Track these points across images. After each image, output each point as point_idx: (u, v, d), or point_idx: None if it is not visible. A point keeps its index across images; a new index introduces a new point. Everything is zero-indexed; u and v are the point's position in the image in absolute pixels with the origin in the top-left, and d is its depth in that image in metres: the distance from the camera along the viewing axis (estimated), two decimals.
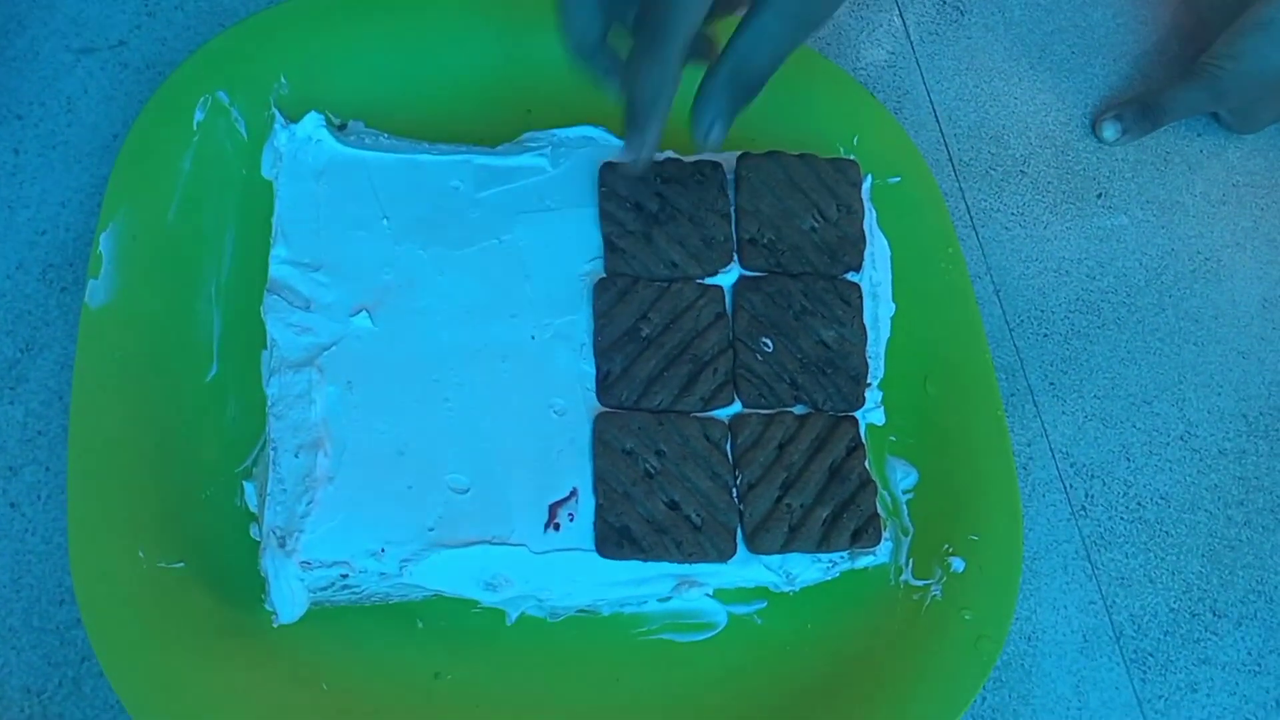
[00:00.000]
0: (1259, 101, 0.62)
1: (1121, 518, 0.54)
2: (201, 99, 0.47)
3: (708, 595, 0.45)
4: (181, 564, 0.40)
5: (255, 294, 0.44)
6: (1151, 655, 0.51)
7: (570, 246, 0.46)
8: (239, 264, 0.46)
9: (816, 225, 0.49)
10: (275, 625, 0.39)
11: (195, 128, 0.47)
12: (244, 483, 0.42)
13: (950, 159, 0.61)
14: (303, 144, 0.46)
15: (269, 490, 0.39)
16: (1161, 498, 0.55)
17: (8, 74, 0.49)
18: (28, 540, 0.42)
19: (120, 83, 0.51)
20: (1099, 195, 0.62)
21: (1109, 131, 0.63)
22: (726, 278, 0.47)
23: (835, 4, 0.39)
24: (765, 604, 0.46)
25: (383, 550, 0.39)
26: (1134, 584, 0.53)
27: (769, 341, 0.46)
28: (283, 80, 0.48)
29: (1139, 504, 0.54)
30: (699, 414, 0.45)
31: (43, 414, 0.44)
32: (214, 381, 0.44)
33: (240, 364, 0.44)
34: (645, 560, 0.42)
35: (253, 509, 0.41)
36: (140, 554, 0.39)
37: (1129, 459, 0.55)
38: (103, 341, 0.42)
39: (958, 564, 0.47)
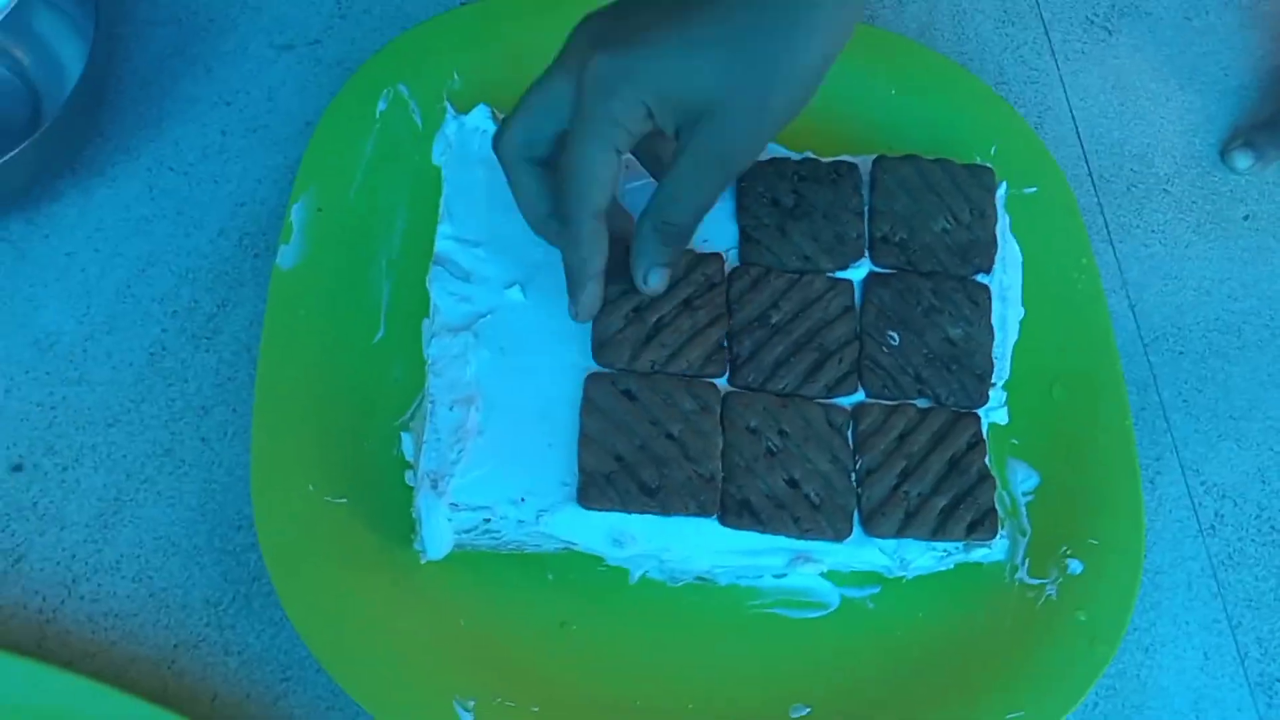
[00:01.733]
0: None
1: (1253, 540, 0.53)
2: (385, 91, 0.52)
3: (821, 575, 0.46)
4: (345, 500, 0.44)
5: (421, 268, 0.49)
6: (1278, 681, 0.50)
7: (709, 236, 0.49)
8: (408, 240, 0.50)
9: (949, 227, 0.50)
10: (423, 562, 0.43)
11: (378, 116, 0.52)
12: (402, 434, 0.46)
13: (1090, 174, 0.61)
14: (470, 134, 0.50)
15: (425, 439, 0.43)
16: None
17: (220, 66, 0.56)
18: (214, 471, 0.47)
19: (314, 76, 0.56)
20: (1245, 218, 0.61)
21: (1241, 162, 0.61)
22: (857, 273, 0.49)
23: (753, 153, 0.41)
24: (878, 589, 0.47)
25: (523, 499, 0.42)
26: (1263, 608, 0.52)
27: (895, 335, 0.48)
28: (456, 77, 0.53)
29: (1272, 527, 0.53)
30: (822, 400, 0.47)
31: (233, 362, 0.49)
32: (381, 343, 0.48)
33: (404, 330, 0.48)
34: (763, 532, 0.44)
35: (409, 458, 0.45)
36: (310, 488, 0.44)
37: (1264, 481, 0.54)
38: (289, 300, 0.47)
39: (1075, 565, 0.47)
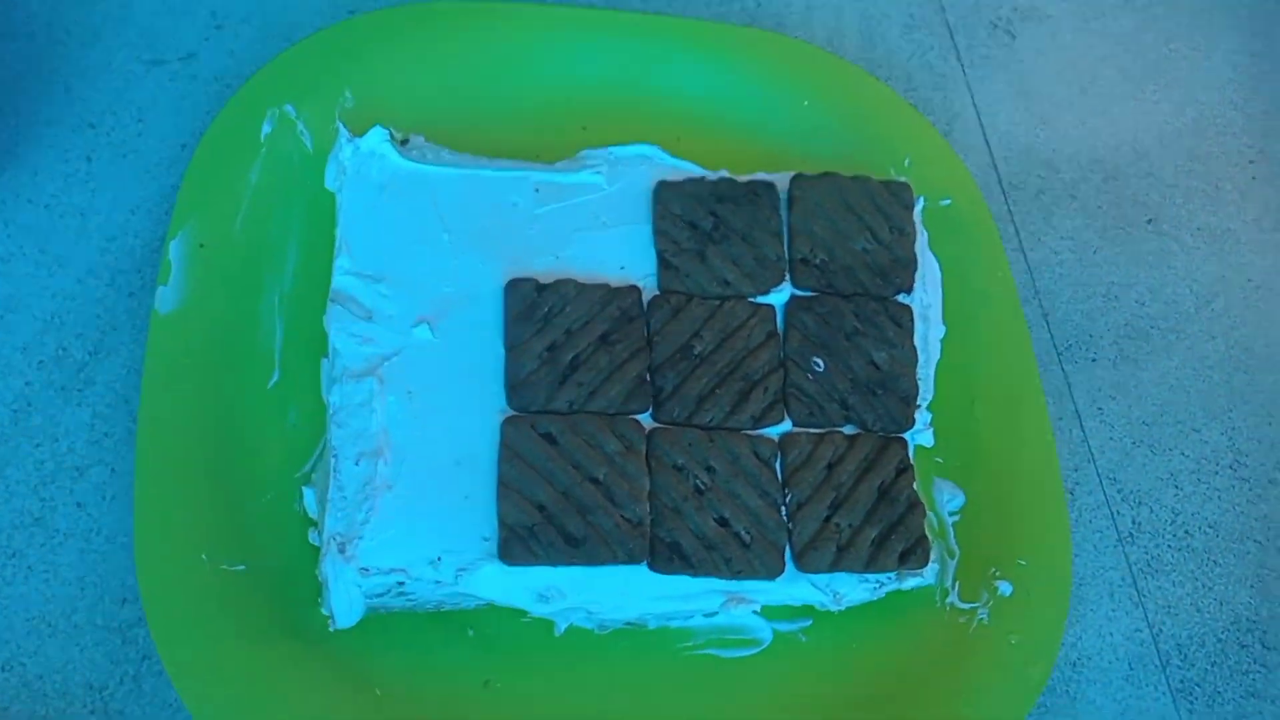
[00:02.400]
0: None
1: (1169, 545, 0.54)
2: (270, 111, 0.48)
3: (754, 612, 0.45)
4: (243, 566, 0.41)
5: (317, 304, 0.45)
6: (1199, 685, 0.51)
7: (625, 264, 0.47)
8: (302, 274, 0.47)
9: (869, 246, 0.49)
10: (332, 629, 0.40)
11: (263, 140, 0.48)
12: (303, 488, 0.43)
13: (1000, 182, 0.61)
14: (366, 158, 0.47)
15: (329, 497, 0.40)
16: (1210, 526, 0.54)
17: (82, 84, 0.51)
18: (93, 540, 0.43)
19: (189, 94, 0.52)
20: (1149, 221, 0.62)
21: None
22: (779, 297, 0.48)
23: None
24: (810, 622, 0.46)
25: (439, 559, 0.40)
26: (1181, 613, 0.52)
27: (820, 361, 0.47)
28: (348, 95, 0.50)
29: (1187, 532, 0.54)
30: (749, 431, 0.45)
31: (110, 416, 0.45)
32: (276, 388, 0.45)
33: (301, 372, 0.45)
34: (695, 575, 0.42)
35: (312, 514, 0.42)
36: (203, 556, 0.40)
37: (1177, 486, 0.55)
38: (170, 346, 0.43)
39: (1005, 588, 0.47)
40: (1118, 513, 0.54)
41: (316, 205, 0.47)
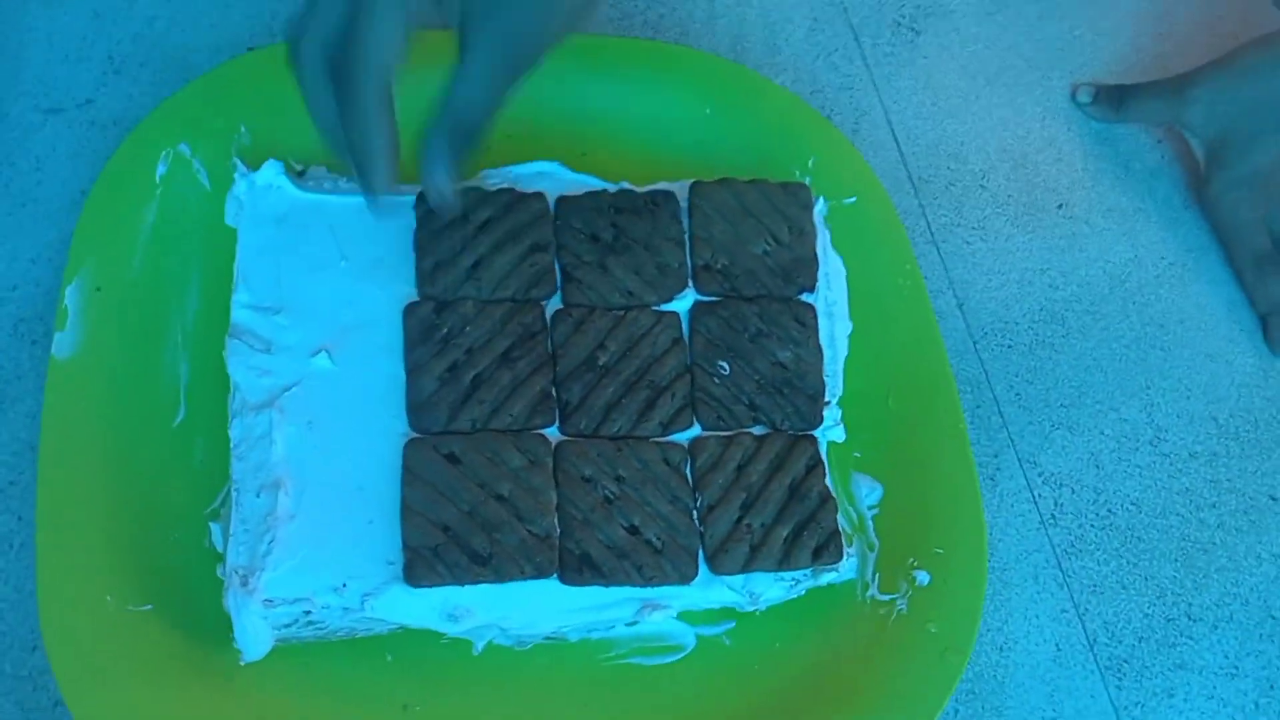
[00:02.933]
0: (1224, 141, 0.61)
1: (1092, 525, 0.54)
2: (164, 152, 0.48)
3: (674, 618, 0.45)
4: (150, 606, 0.41)
5: (218, 340, 0.45)
6: (1127, 662, 0.51)
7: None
8: (205, 311, 0.47)
9: (769, 249, 0.50)
10: (242, 664, 0.40)
11: (158, 181, 0.48)
12: (211, 524, 0.43)
13: (910, 176, 0.62)
14: (263, 191, 0.47)
15: (232, 530, 0.40)
16: (1132, 503, 0.55)
17: None
18: (1, 589, 0.43)
19: (88, 140, 0.52)
20: (1059, 206, 0.63)
21: (1083, 95, 0.64)
22: (682, 304, 0.48)
23: (542, 47, 0.39)
24: (733, 624, 0.46)
25: (344, 585, 0.40)
26: (1106, 591, 0.53)
27: (725, 364, 0.47)
28: (243, 130, 0.50)
29: (1109, 511, 0.55)
30: (658, 439, 0.46)
31: (15, 464, 0.45)
32: (181, 426, 0.45)
33: (208, 408, 0.45)
34: (606, 585, 0.42)
35: (220, 550, 0.42)
36: (108, 599, 0.40)
37: (1098, 466, 0.56)
38: (70, 392, 0.43)
39: (923, 577, 0.47)
40: (1039, 496, 0.54)
41: (217, 243, 0.47)
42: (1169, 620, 0.53)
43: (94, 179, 0.50)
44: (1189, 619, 0.53)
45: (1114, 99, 0.64)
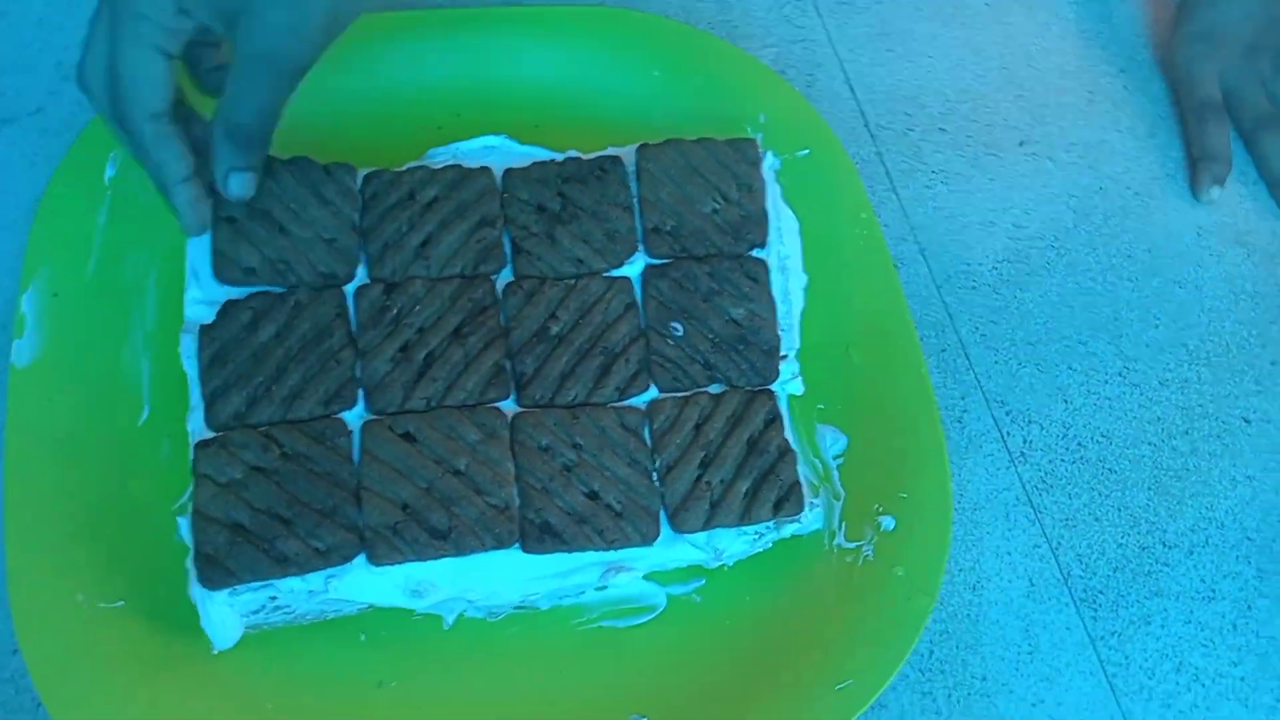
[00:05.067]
0: None
1: (1062, 460, 0.54)
2: (112, 154, 0.49)
3: (643, 579, 0.46)
4: (121, 602, 0.41)
5: (178, 338, 0.46)
6: (1102, 593, 0.52)
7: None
8: (164, 309, 0.47)
9: (718, 206, 0.50)
10: (214, 653, 0.41)
11: (107, 183, 0.48)
12: (179, 519, 0.43)
13: (866, 125, 0.62)
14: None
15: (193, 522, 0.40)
16: (1103, 436, 0.55)
17: None
18: None
19: (41, 148, 0.52)
20: (1021, 143, 0.63)
21: (1214, 192, 0.61)
22: (633, 268, 0.49)
23: (302, 48, 0.40)
24: (703, 581, 0.47)
25: None
26: (1079, 524, 0.53)
27: (679, 326, 0.47)
28: None
29: (1079, 444, 0.55)
30: (615, 404, 0.46)
31: None
32: (146, 424, 0.45)
33: (172, 404, 0.45)
34: (569, 551, 0.43)
35: (188, 543, 0.43)
36: (80, 597, 0.41)
37: (1066, 401, 0.56)
38: (31, 398, 0.44)
39: (888, 522, 0.48)
40: (1008, 434, 0.55)
41: (171, 241, 0.48)
42: (1143, 549, 0.53)
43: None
44: (1164, 546, 0.53)
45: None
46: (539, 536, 0.42)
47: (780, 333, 0.48)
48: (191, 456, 0.41)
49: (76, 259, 0.47)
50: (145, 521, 0.43)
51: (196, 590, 0.39)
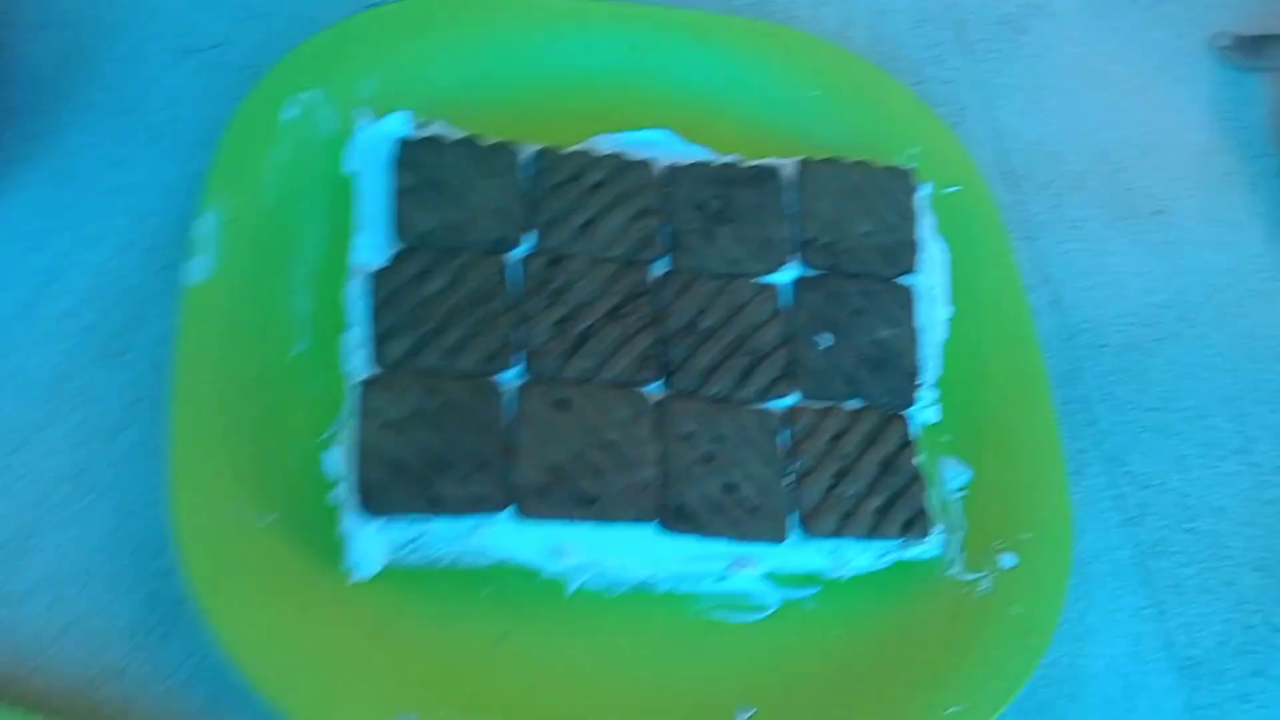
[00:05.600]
0: None
1: (1176, 528, 0.54)
2: (294, 97, 0.50)
3: (762, 577, 0.46)
4: (275, 516, 0.42)
5: (338, 279, 0.47)
6: (1203, 664, 0.51)
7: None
8: (326, 250, 0.49)
9: (873, 229, 0.51)
10: (350, 582, 0.42)
11: (289, 122, 0.50)
12: (323, 454, 0.44)
13: (1008, 172, 0.62)
14: (384, 140, 0.48)
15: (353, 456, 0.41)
16: (1217, 510, 0.55)
17: (116, 72, 0.53)
18: (129, 494, 0.44)
19: (219, 81, 0.54)
20: (1157, 212, 0.63)
21: (1222, 41, 0.64)
22: (784, 276, 0.49)
23: None
24: (818, 590, 0.47)
25: None
26: (1187, 593, 0.53)
27: (825, 338, 0.48)
28: (369, 81, 0.51)
29: (1194, 515, 0.55)
30: (756, 405, 0.46)
31: (145, 381, 0.46)
32: (300, 357, 0.46)
33: (325, 342, 0.46)
34: (703, 535, 0.43)
35: (331, 477, 0.44)
36: (233, 508, 0.42)
37: (1184, 470, 0.56)
38: (200, 315, 0.45)
39: (1007, 560, 0.48)
40: (1125, 494, 0.54)
41: (341, 185, 0.49)
42: (1248, 628, 0.52)
43: (224, 119, 0.52)
44: (1269, 628, 0.53)
45: (1252, 45, 0.63)
46: (677, 517, 0.43)
47: (920, 360, 0.49)
48: (359, 392, 0.42)
49: (253, 191, 0.48)
50: (295, 450, 0.44)
51: (351, 518, 0.40)
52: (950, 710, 0.44)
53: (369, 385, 0.42)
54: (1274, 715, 0.50)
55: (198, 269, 0.46)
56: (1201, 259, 0.62)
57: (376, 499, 0.40)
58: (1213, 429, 0.57)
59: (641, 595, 0.45)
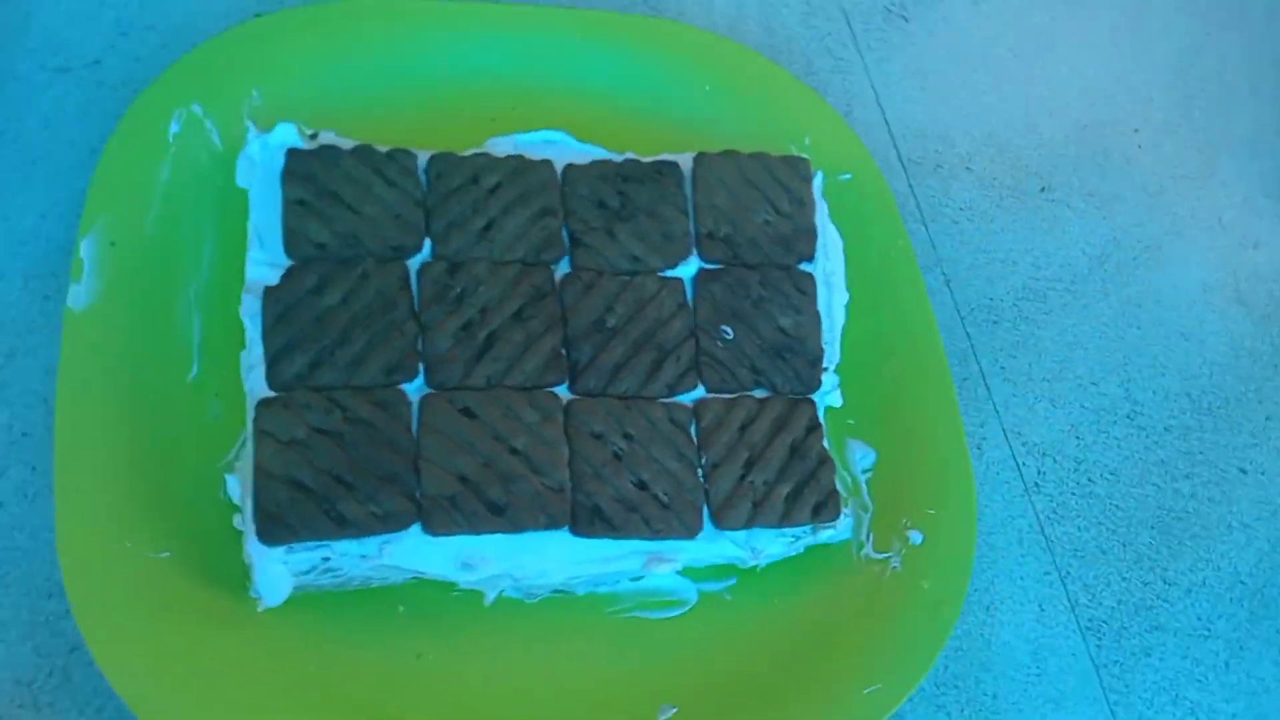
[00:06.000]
0: None
1: (1073, 493, 0.56)
2: (177, 111, 0.49)
3: (678, 573, 0.46)
4: (168, 553, 0.41)
5: (232, 297, 0.46)
6: (1106, 623, 0.53)
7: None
8: (216, 269, 0.47)
9: (770, 219, 0.51)
10: (260, 610, 0.41)
11: (171, 139, 0.48)
12: (226, 476, 0.43)
13: (900, 157, 0.64)
14: (275, 153, 0.47)
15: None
16: (1111, 473, 0.57)
17: None
18: (14, 537, 0.43)
19: (96, 100, 0.52)
20: (1042, 189, 0.65)
21: None
22: (686, 270, 0.50)
23: None
24: (734, 581, 0.48)
25: None
26: (1087, 555, 0.55)
27: (729, 329, 0.49)
28: (255, 93, 0.50)
29: (1089, 479, 0.57)
30: (665, 399, 0.47)
31: (27, 416, 0.45)
32: (195, 381, 0.45)
33: (220, 364, 0.45)
34: (616, 537, 0.43)
35: (235, 501, 0.43)
36: (128, 545, 0.41)
37: (1078, 437, 0.58)
38: (85, 343, 0.43)
39: (916, 537, 0.49)
40: (1023, 465, 0.56)
41: (227, 201, 0.48)
42: (1145, 584, 0.55)
43: (102, 138, 0.50)
44: (1164, 583, 0.55)
45: None
46: (590, 520, 0.43)
47: (824, 345, 0.50)
48: (252, 414, 0.41)
49: (136, 210, 0.47)
50: (192, 476, 0.43)
51: (253, 545, 0.39)
52: (869, 690, 0.45)
53: (263, 406, 0.41)
54: (1174, 666, 0.53)
55: (80, 294, 0.44)
56: (1085, 231, 0.64)
57: (274, 528, 0.39)
58: (1103, 395, 0.59)
59: (561, 600, 0.45)
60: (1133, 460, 0.58)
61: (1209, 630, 0.54)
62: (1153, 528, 0.56)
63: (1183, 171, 0.68)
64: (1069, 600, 0.54)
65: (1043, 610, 0.53)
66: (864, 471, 0.51)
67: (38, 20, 0.53)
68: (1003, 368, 0.59)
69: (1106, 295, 0.63)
